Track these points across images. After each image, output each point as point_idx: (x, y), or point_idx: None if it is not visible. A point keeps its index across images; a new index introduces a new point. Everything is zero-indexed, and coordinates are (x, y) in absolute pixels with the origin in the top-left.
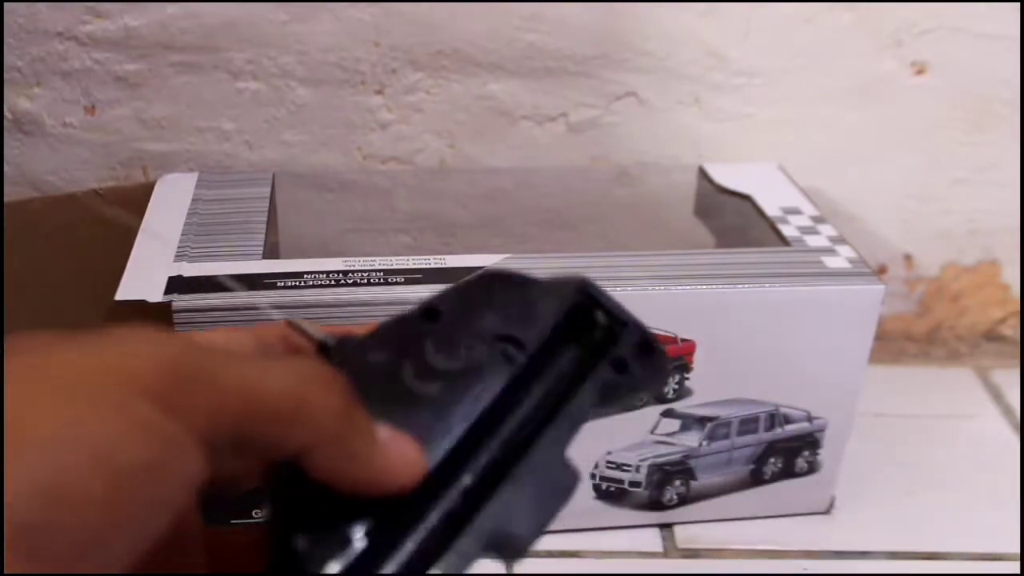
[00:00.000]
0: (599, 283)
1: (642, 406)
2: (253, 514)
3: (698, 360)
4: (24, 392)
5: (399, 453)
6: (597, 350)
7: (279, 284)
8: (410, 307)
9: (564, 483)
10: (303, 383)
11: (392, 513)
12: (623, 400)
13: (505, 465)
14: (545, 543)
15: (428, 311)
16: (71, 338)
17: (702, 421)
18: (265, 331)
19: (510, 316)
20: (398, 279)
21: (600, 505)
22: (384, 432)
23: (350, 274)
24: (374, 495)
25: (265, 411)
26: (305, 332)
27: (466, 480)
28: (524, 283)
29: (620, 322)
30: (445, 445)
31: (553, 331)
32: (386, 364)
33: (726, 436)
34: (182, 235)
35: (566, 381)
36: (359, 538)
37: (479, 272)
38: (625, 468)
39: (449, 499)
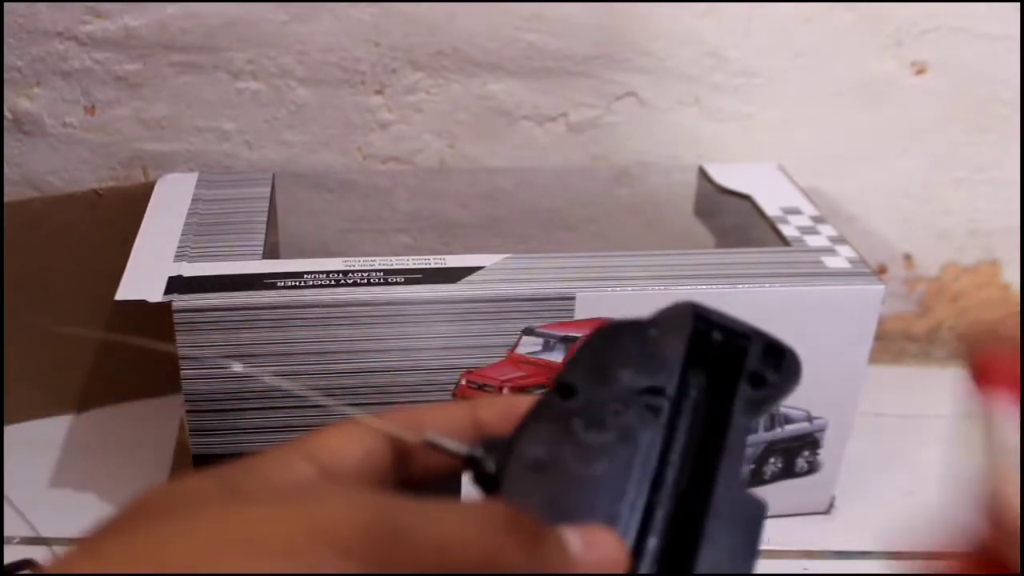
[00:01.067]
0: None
1: None
2: None
3: None
4: (222, 557)
5: (599, 551)
6: (724, 370)
7: (279, 284)
8: (543, 392)
9: (753, 515)
10: (495, 534)
11: None
12: (768, 410)
13: (689, 516)
14: None
15: (563, 389)
16: (254, 489)
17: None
18: (483, 408)
19: (640, 366)
20: (398, 279)
21: None
22: (575, 538)
23: (350, 274)
24: None
25: (460, 565)
26: (446, 449)
27: (654, 544)
28: (639, 327)
29: (741, 335)
30: (634, 520)
31: (685, 364)
32: (545, 459)
33: None
34: (182, 235)
35: (708, 412)
36: None
37: (592, 331)
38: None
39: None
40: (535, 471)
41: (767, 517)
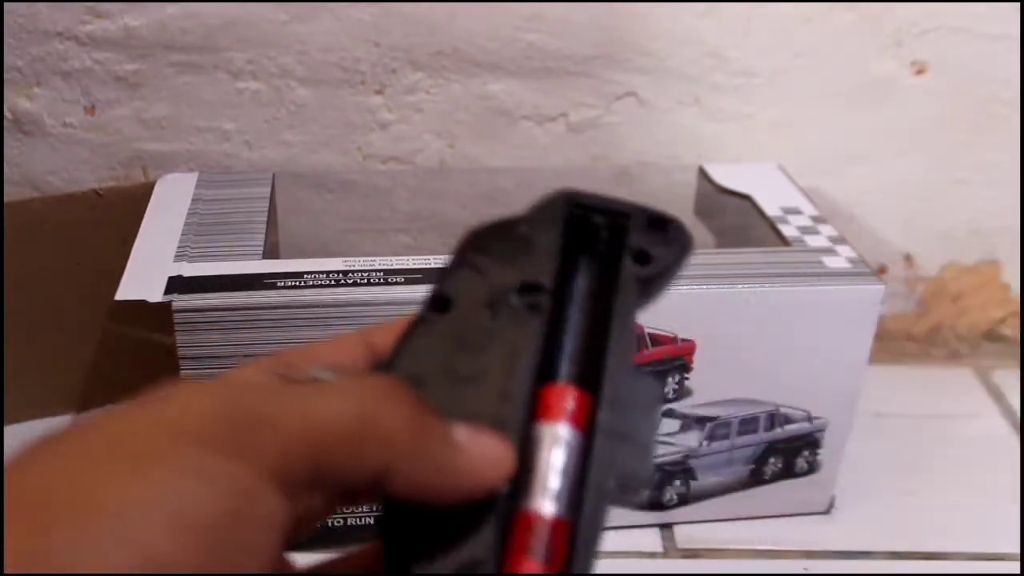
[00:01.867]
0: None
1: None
2: None
3: (698, 360)
4: (87, 466)
5: (483, 448)
6: (612, 253)
7: (279, 284)
8: (419, 308)
9: (649, 395)
10: (366, 401)
11: (498, 505)
12: (663, 286)
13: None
14: None
15: (437, 302)
16: (129, 404)
17: (702, 421)
18: (377, 335)
19: (513, 264)
20: (398, 279)
21: None
22: (460, 432)
23: (350, 274)
24: (474, 498)
25: (332, 438)
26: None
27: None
28: (508, 224)
29: (621, 214)
30: (518, 419)
31: (562, 256)
32: (424, 373)
33: (726, 436)
34: (182, 235)
35: (598, 298)
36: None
37: (461, 238)
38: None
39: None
40: (415, 386)
41: (661, 398)
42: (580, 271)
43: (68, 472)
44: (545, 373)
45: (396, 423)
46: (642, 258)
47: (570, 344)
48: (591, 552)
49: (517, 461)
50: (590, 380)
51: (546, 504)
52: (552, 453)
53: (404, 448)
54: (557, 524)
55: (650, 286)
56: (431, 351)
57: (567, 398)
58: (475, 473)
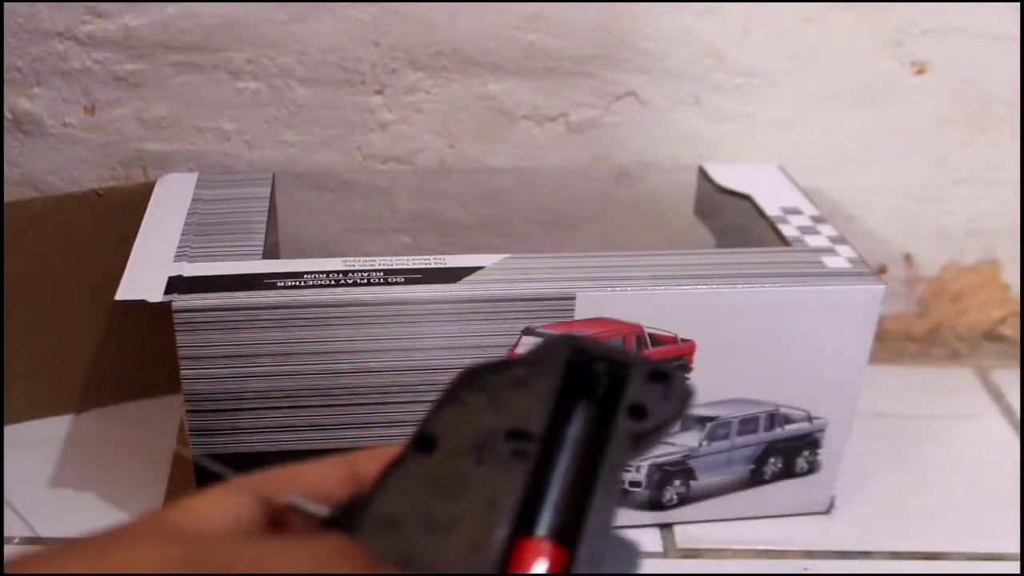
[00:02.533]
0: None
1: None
2: None
3: (698, 360)
4: None
5: None
6: (611, 402)
7: (279, 284)
8: (403, 444)
9: (626, 560)
10: (321, 565)
11: None
12: (657, 440)
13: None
14: None
15: (421, 442)
16: (73, 548)
17: (702, 421)
18: (362, 462)
19: (504, 409)
20: (398, 279)
21: None
22: None
23: (350, 274)
24: None
25: None
26: (305, 511)
27: None
28: (504, 367)
29: (621, 364)
30: (487, 572)
31: (558, 401)
32: (400, 515)
33: (726, 436)
34: (182, 235)
35: (589, 448)
36: None
37: (457, 376)
38: (625, 468)
39: None
40: (389, 529)
41: (640, 562)
42: (575, 417)
43: None
44: (525, 522)
45: None
46: (638, 413)
47: (555, 493)
48: None
49: None
50: (570, 535)
51: None
52: None
53: None
54: None
55: (643, 440)
56: (409, 493)
57: (541, 554)
58: None
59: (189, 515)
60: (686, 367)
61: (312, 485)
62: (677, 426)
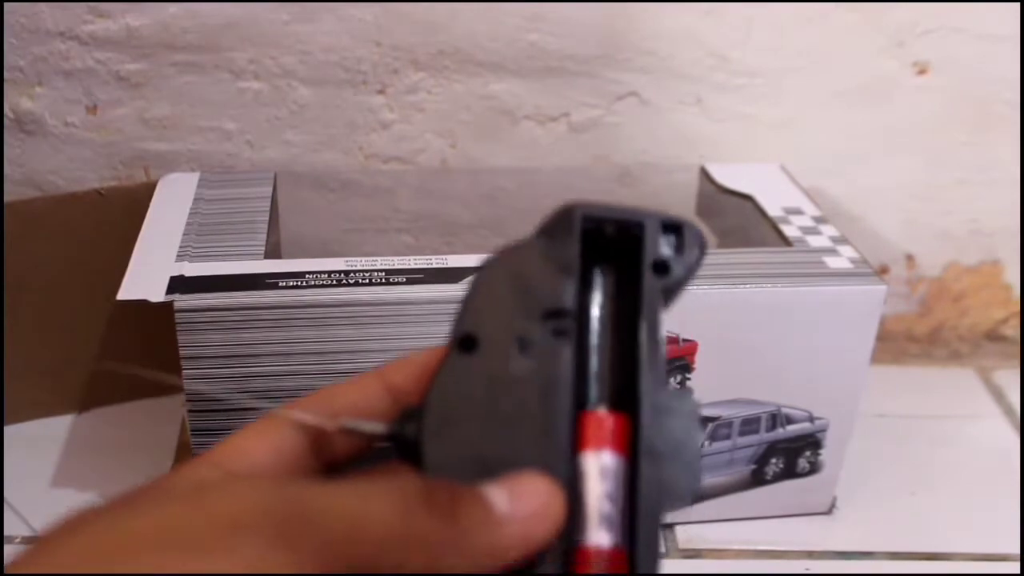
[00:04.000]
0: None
1: None
2: None
3: (700, 360)
4: (131, 553)
5: (528, 501)
6: (629, 261)
7: (280, 284)
8: (445, 346)
9: (687, 409)
10: (405, 508)
11: (554, 545)
12: (681, 291)
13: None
14: None
15: (463, 341)
16: (161, 492)
17: (703, 421)
18: (395, 374)
19: (534, 291)
20: (400, 279)
21: None
22: (500, 495)
23: (352, 274)
24: (530, 554)
25: (372, 542)
26: (363, 431)
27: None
28: (522, 250)
29: (634, 224)
30: (563, 453)
31: (584, 269)
32: (460, 415)
33: (727, 436)
34: (184, 235)
35: (621, 312)
36: None
37: (473, 273)
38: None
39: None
40: (451, 434)
41: (700, 411)
42: (595, 286)
43: (110, 557)
44: (578, 399)
45: (437, 527)
46: (661, 268)
47: (598, 364)
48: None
49: (566, 506)
50: (625, 400)
51: (601, 536)
52: (599, 483)
53: (448, 548)
54: (614, 554)
55: (670, 294)
56: (463, 393)
57: (605, 424)
58: (526, 539)
59: (235, 455)
60: (688, 367)
61: (350, 404)
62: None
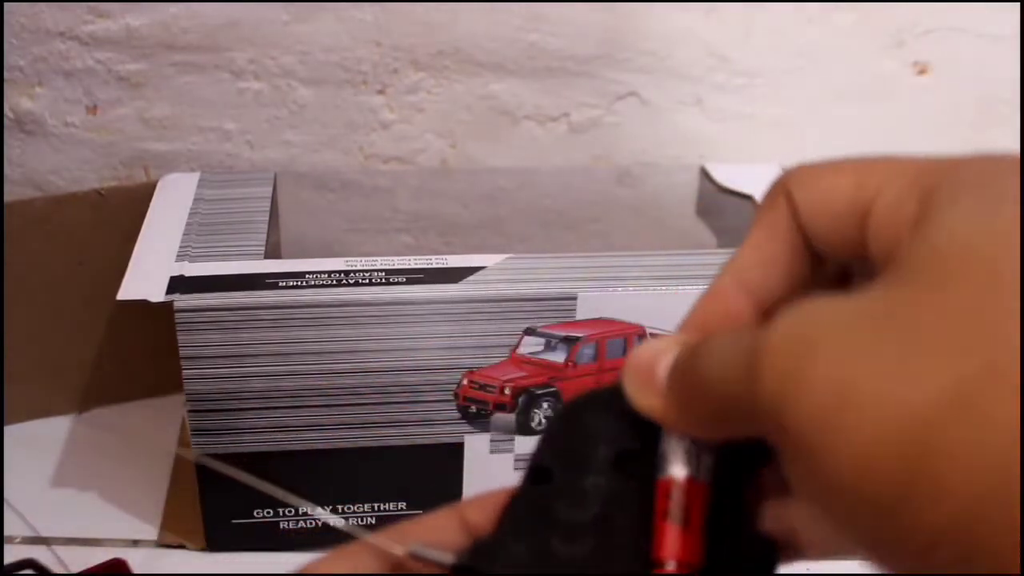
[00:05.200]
0: None
1: None
2: None
3: None
4: None
5: None
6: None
7: (280, 284)
8: (520, 482)
9: (765, 556)
10: None
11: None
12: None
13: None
14: None
15: (537, 474)
16: None
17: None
18: (470, 509)
19: (612, 431)
20: (400, 279)
21: None
22: None
23: (351, 274)
24: None
25: None
26: (431, 559)
27: None
28: (605, 393)
29: None
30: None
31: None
32: (530, 551)
33: None
34: (184, 235)
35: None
36: None
37: (559, 410)
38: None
39: None
40: (521, 566)
41: (779, 560)
42: (682, 441)
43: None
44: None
45: None
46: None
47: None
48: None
49: None
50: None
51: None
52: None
53: None
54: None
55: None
56: (531, 525)
57: (678, 538)
58: None
59: None
60: None
61: (425, 536)
62: None
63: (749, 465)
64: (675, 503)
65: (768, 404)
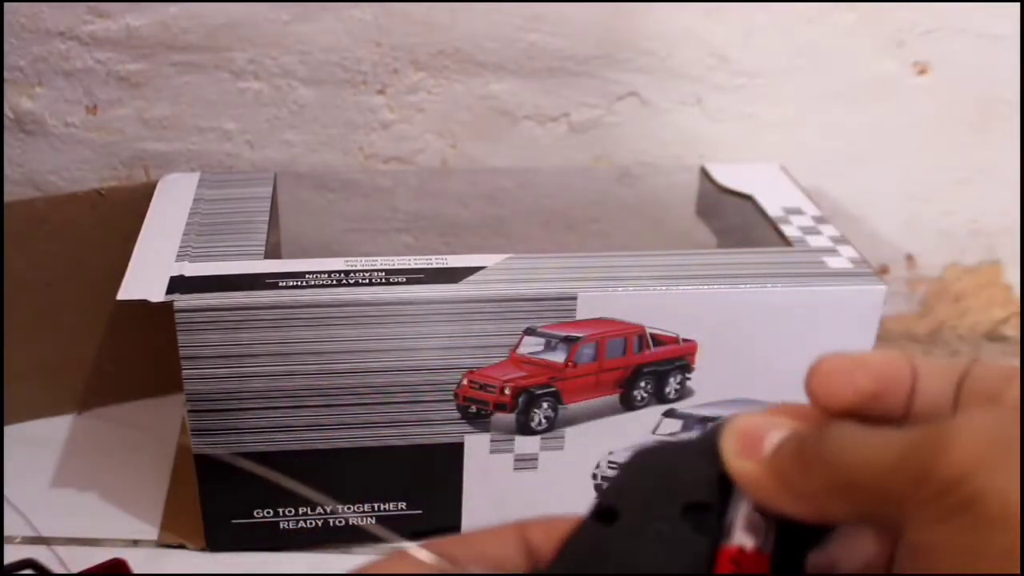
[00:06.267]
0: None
1: None
2: None
3: (700, 360)
4: None
5: None
6: None
7: (280, 284)
8: (584, 516)
9: None
10: None
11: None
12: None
13: None
14: None
15: (603, 513)
16: None
17: (704, 421)
18: (533, 530)
19: (682, 483)
20: (400, 279)
21: None
22: None
23: (351, 274)
24: None
25: None
26: None
27: None
28: (681, 445)
29: None
30: None
31: (725, 479)
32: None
33: None
34: (184, 235)
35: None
36: None
37: (633, 453)
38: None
39: None
40: None
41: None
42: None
43: None
44: None
45: None
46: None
47: None
48: None
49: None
50: None
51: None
52: None
53: None
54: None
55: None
56: (591, 563)
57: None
58: None
59: None
60: (688, 367)
61: (485, 553)
62: (683, 429)
63: (804, 545)
64: (738, 570)
65: (955, 481)
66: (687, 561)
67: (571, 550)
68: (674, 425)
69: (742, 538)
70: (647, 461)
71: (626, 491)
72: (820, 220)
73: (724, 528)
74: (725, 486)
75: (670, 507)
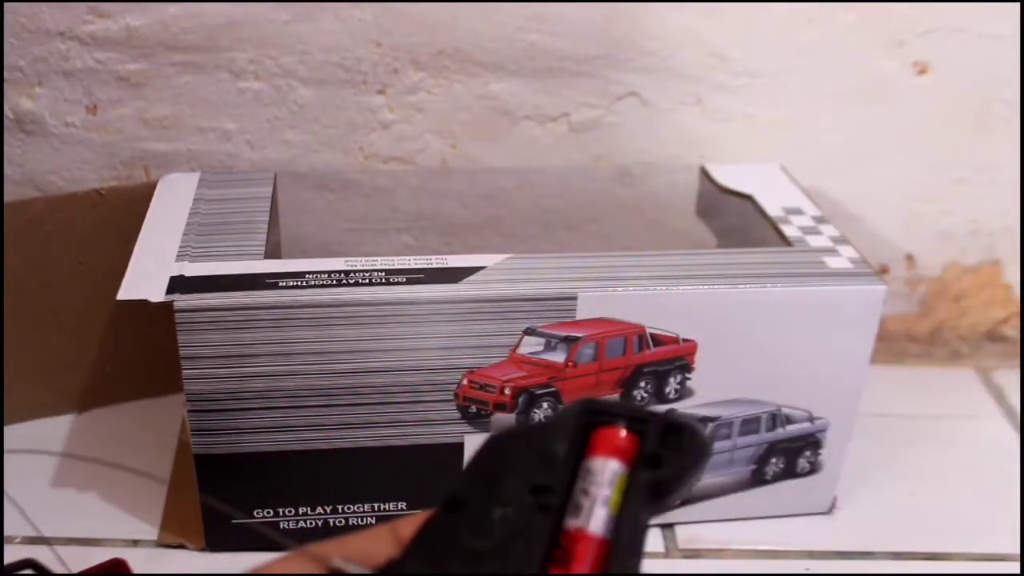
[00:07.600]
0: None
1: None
2: None
3: (700, 360)
4: None
5: None
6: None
7: (280, 284)
8: (435, 508)
9: None
10: None
11: None
12: (674, 491)
13: None
14: None
15: (450, 503)
16: None
17: (704, 421)
18: (404, 527)
19: (527, 468)
20: (400, 279)
21: None
22: None
23: (351, 274)
24: None
25: None
26: (346, 572)
27: None
28: (530, 432)
29: (639, 420)
30: None
31: (577, 460)
32: (440, 562)
33: (728, 436)
34: (184, 235)
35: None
36: None
37: (485, 440)
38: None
39: None
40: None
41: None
42: (598, 474)
43: None
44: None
45: None
46: (652, 462)
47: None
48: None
49: None
50: None
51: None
52: None
53: None
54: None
55: (661, 490)
56: (442, 544)
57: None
58: None
59: None
60: (688, 367)
61: (360, 549)
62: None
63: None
64: (573, 551)
65: None
66: (531, 542)
67: (421, 542)
68: None
69: (581, 521)
70: (493, 447)
71: (474, 479)
72: (820, 220)
73: (569, 508)
74: (572, 466)
75: (516, 491)
